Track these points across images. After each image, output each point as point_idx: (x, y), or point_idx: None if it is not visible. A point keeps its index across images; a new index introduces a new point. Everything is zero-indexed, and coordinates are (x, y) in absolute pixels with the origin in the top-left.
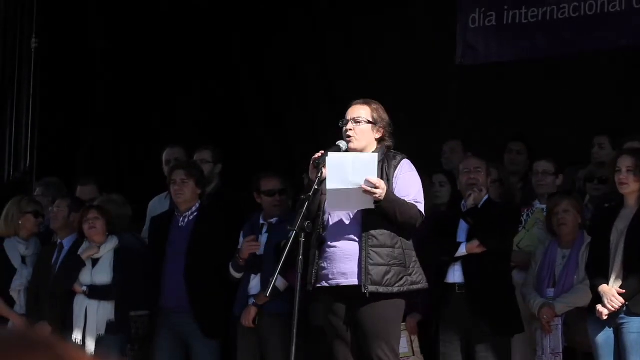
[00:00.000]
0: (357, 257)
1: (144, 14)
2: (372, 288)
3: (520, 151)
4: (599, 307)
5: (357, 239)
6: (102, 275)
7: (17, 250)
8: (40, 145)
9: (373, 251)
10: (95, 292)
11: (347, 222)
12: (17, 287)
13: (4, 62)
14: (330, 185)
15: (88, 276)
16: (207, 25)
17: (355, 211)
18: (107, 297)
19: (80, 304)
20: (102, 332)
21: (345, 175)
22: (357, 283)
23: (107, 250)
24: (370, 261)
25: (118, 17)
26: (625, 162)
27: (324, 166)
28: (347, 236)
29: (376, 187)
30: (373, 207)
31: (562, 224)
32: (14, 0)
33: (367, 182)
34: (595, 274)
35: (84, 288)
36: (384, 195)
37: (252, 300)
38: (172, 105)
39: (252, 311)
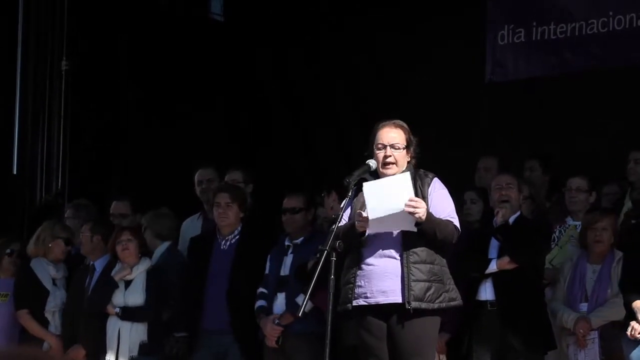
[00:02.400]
0: (398, 274)
1: (173, 35)
2: (415, 304)
3: (533, 168)
4: (633, 323)
5: (397, 256)
6: (134, 296)
7: (47, 271)
8: (72, 168)
9: (415, 267)
10: (128, 314)
11: (386, 241)
12: (52, 309)
13: (35, 84)
14: (372, 215)
15: (121, 298)
16: (236, 44)
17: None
18: (139, 319)
19: (113, 325)
20: (135, 353)
21: (383, 201)
22: (399, 300)
23: (139, 272)
24: (413, 277)
25: (146, 38)
26: None
27: (353, 185)
28: (385, 254)
29: (417, 207)
30: (415, 229)
31: (599, 241)
32: (45, 23)
33: (408, 202)
34: (629, 290)
35: (117, 310)
36: (425, 215)
37: (276, 320)
38: (202, 126)
39: (277, 331)
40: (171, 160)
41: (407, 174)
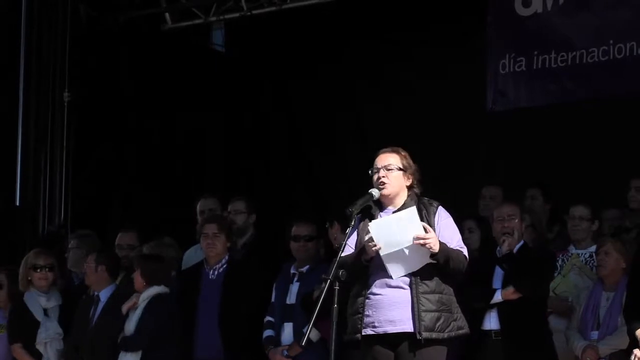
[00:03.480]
0: (407, 304)
1: (174, 67)
2: (426, 334)
3: (535, 196)
4: (636, 351)
5: (406, 286)
6: (130, 325)
7: (38, 302)
8: (74, 198)
9: (424, 297)
10: (123, 343)
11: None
12: (43, 340)
13: (37, 115)
14: (383, 251)
15: (126, 327)
16: (237, 75)
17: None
18: (130, 348)
19: (121, 356)
20: None
21: (393, 237)
22: (408, 330)
23: (142, 300)
24: (422, 307)
25: (148, 69)
26: None
27: (357, 214)
28: (393, 284)
29: (428, 238)
30: (428, 261)
31: (600, 266)
32: (47, 55)
33: (416, 237)
34: (631, 317)
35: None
36: (437, 245)
37: (285, 352)
38: (203, 155)
39: None
40: (173, 190)
41: (414, 208)
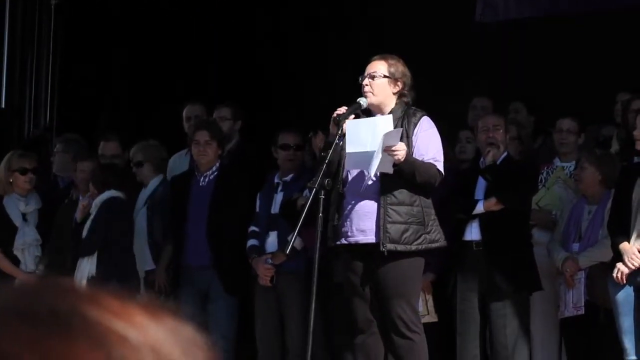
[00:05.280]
0: (375, 214)
1: None
2: (390, 246)
3: (518, 109)
4: (619, 265)
5: (376, 197)
6: (86, 230)
7: (17, 207)
8: (60, 102)
9: (391, 209)
10: (79, 249)
11: (366, 181)
12: (20, 246)
13: (23, 19)
14: (349, 148)
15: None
16: None
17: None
18: (82, 253)
19: (78, 263)
20: None
21: (364, 138)
22: (375, 241)
23: (96, 205)
24: (389, 219)
25: None
26: (639, 121)
27: (345, 122)
28: (366, 194)
29: (397, 149)
30: (392, 170)
31: (577, 180)
32: None
33: (387, 147)
34: (616, 231)
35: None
36: (403, 156)
37: (268, 260)
38: (192, 62)
39: (270, 271)
40: (161, 95)
41: (390, 116)
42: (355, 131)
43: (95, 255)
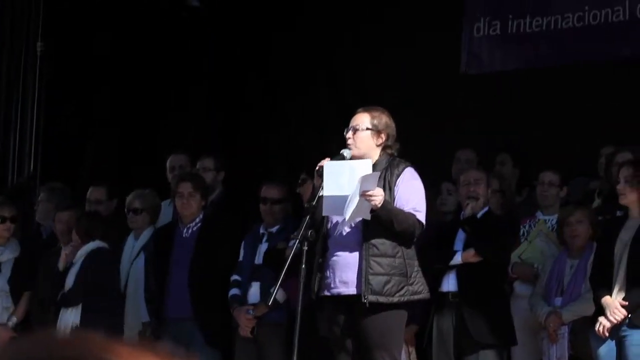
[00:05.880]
0: (357, 266)
1: (149, 19)
2: (372, 298)
3: (504, 161)
4: (601, 319)
5: (359, 248)
6: (70, 280)
7: None
8: (45, 150)
9: (374, 260)
10: (62, 300)
11: (349, 231)
12: None
13: (9, 65)
14: (326, 192)
15: (66, 284)
16: (211, 28)
17: (357, 220)
18: (67, 303)
19: (61, 314)
20: None
21: (341, 182)
22: (357, 292)
23: (81, 255)
24: (371, 270)
25: (123, 21)
26: (623, 173)
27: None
28: (348, 245)
29: (374, 194)
30: (369, 216)
31: (575, 235)
32: (20, 4)
33: (364, 192)
34: (598, 285)
35: (59, 297)
36: (381, 202)
37: (250, 310)
38: (177, 111)
39: (251, 322)
40: (145, 145)
41: (369, 160)
42: (332, 174)
43: (80, 306)
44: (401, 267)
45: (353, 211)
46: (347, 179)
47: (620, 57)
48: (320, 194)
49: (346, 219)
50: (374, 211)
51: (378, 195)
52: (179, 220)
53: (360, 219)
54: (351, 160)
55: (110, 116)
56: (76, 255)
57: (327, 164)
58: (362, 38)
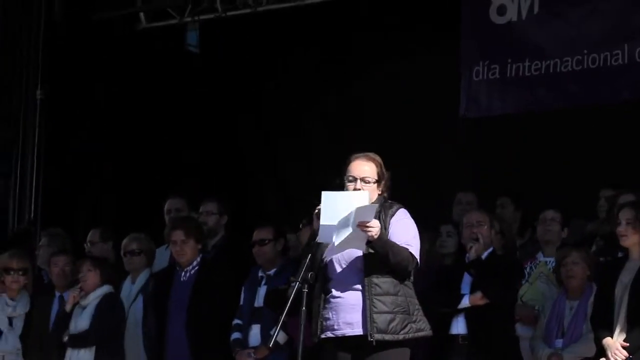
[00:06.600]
0: (361, 306)
1: (148, 66)
2: (378, 336)
3: (504, 204)
4: None
5: (361, 288)
6: (83, 322)
7: (4, 310)
8: (45, 196)
9: (377, 299)
10: (74, 340)
11: (350, 272)
12: (1, 353)
13: (9, 113)
14: (322, 221)
15: (73, 325)
16: (211, 75)
17: (355, 257)
18: (82, 344)
19: (69, 354)
20: None
21: (338, 212)
22: (363, 332)
23: (93, 298)
24: (375, 309)
25: (122, 69)
26: (625, 215)
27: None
28: (351, 286)
29: (370, 225)
30: (363, 248)
31: (571, 277)
32: (20, 53)
33: (360, 222)
34: (599, 326)
35: (66, 338)
36: (377, 234)
37: (251, 353)
38: (177, 157)
39: None
40: (144, 189)
41: (367, 192)
42: (330, 204)
43: (94, 348)
44: (404, 304)
45: (344, 240)
46: (343, 210)
47: (619, 99)
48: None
49: (335, 245)
50: (369, 242)
51: (375, 227)
52: (176, 263)
53: (360, 254)
54: (349, 191)
55: (109, 162)
56: (87, 299)
57: (325, 194)
58: (361, 80)
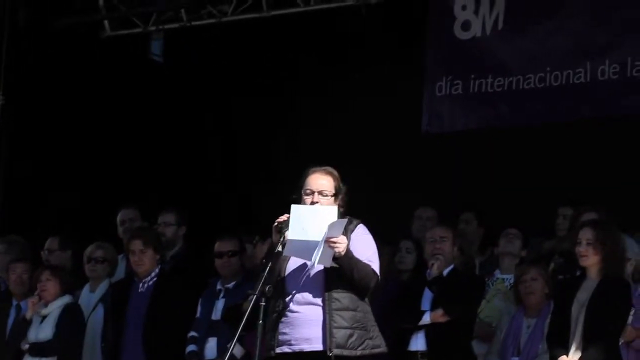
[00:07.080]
0: (321, 321)
1: (111, 75)
2: (337, 351)
3: (468, 220)
4: None
5: (320, 303)
6: (45, 332)
7: None
8: (4, 204)
9: (337, 314)
10: (37, 349)
11: (310, 286)
12: None
13: None
14: (291, 235)
15: (33, 334)
16: (174, 85)
17: (315, 272)
18: (46, 354)
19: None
20: None
21: (306, 226)
22: (321, 348)
23: (55, 307)
24: (334, 324)
25: (85, 77)
26: (585, 235)
27: (287, 230)
28: (309, 301)
29: (338, 241)
30: (329, 264)
31: (530, 293)
32: None
33: (328, 238)
34: (555, 344)
35: (26, 346)
36: (344, 250)
37: None
38: (138, 167)
39: None
40: (104, 198)
41: (335, 208)
42: (298, 218)
43: (55, 358)
44: (362, 320)
45: (320, 257)
46: (311, 224)
47: (580, 116)
48: (279, 248)
49: (314, 264)
50: (336, 259)
51: (342, 243)
52: (134, 274)
53: (321, 268)
54: (318, 206)
55: (69, 170)
56: (48, 308)
57: (294, 207)
58: (324, 95)
